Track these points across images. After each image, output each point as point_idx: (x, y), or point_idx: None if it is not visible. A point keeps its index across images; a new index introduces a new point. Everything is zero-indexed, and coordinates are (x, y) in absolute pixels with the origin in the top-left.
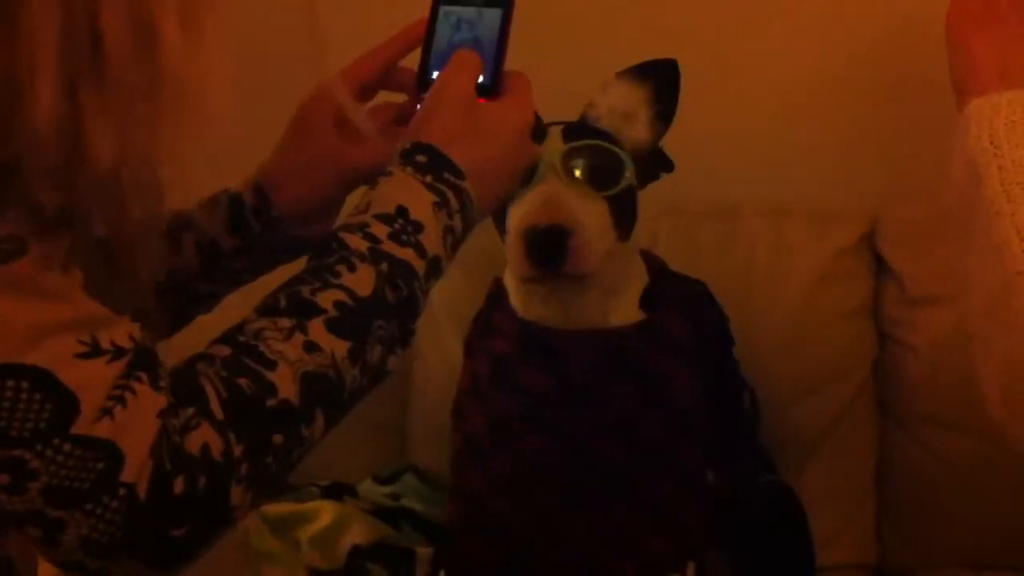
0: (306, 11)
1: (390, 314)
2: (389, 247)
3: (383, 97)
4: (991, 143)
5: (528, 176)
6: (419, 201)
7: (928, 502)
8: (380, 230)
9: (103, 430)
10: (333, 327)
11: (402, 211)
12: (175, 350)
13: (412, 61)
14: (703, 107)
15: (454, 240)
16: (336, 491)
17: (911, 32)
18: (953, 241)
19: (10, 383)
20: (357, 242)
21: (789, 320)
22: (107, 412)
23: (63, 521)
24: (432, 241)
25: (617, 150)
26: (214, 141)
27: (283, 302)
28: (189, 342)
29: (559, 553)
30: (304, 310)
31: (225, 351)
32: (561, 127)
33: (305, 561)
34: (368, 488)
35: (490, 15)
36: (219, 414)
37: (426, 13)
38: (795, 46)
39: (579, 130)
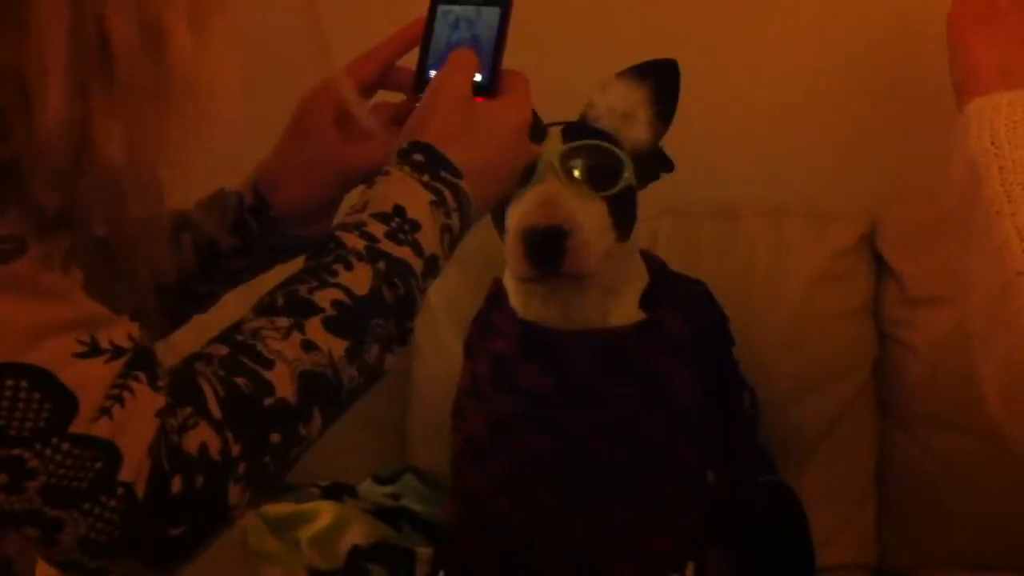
0: (308, 10)
1: (387, 313)
2: (386, 246)
3: (381, 96)
4: (992, 143)
5: (527, 176)
6: (416, 200)
7: (928, 502)
8: (377, 229)
9: (101, 429)
10: (331, 326)
11: (399, 210)
12: (173, 349)
13: (410, 61)
14: (703, 107)
15: (452, 239)
16: (336, 491)
17: (911, 32)
18: (953, 241)
19: (9, 382)
20: (354, 241)
21: (789, 320)
22: (106, 411)
23: (61, 520)
24: (429, 240)
25: (616, 150)
26: (221, 142)
27: (280, 301)
28: (187, 341)
29: (559, 553)
30: (302, 309)
31: (222, 350)
32: (560, 127)
33: (305, 561)
34: (368, 488)
35: (488, 14)
36: (217, 413)
37: (424, 12)
38: (795, 46)
39: (578, 130)
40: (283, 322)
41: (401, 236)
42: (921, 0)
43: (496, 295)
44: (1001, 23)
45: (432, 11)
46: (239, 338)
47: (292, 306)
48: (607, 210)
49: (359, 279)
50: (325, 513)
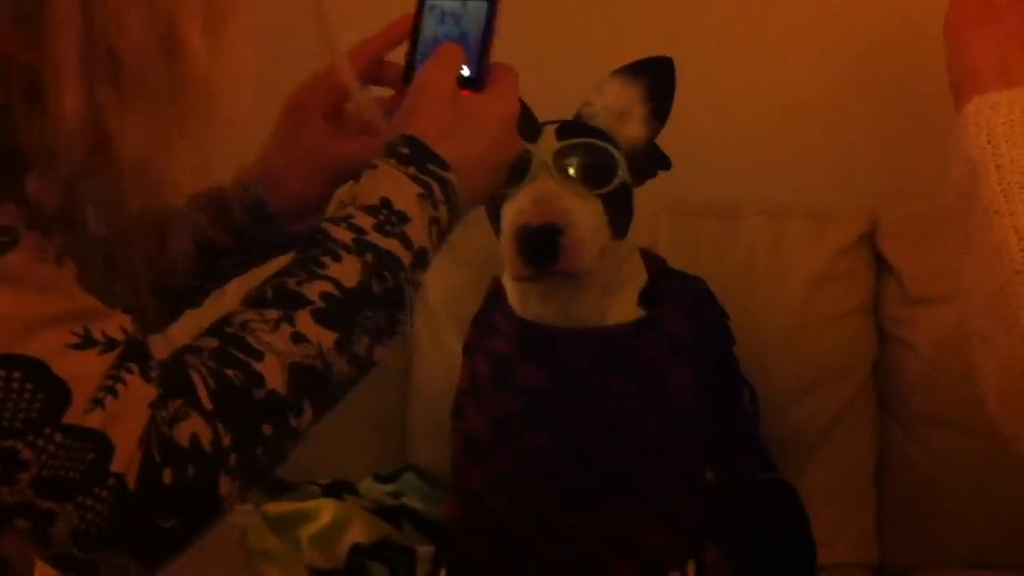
0: (315, 9)
1: (376, 305)
2: (374, 238)
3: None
4: (989, 142)
5: (521, 174)
6: (403, 192)
7: (928, 501)
8: (365, 221)
9: (94, 420)
10: (320, 318)
11: (386, 202)
12: (170, 343)
13: (400, 56)
14: (703, 106)
15: (440, 231)
16: (336, 489)
17: (910, 31)
18: (952, 240)
19: (2, 373)
20: (342, 234)
21: (789, 319)
22: (98, 403)
23: (53, 512)
24: (417, 232)
25: (610, 148)
26: (236, 142)
27: (270, 294)
28: (184, 336)
29: (559, 551)
30: (291, 301)
31: (213, 343)
32: (555, 125)
33: (305, 560)
34: (369, 486)
35: (475, 8)
36: (207, 405)
37: (412, 7)
38: (795, 46)
39: (573, 128)
40: (272, 314)
41: (389, 228)
42: (921, 0)
43: (495, 294)
44: (999, 22)
45: (420, 6)
46: (229, 330)
47: (281, 299)
48: (602, 208)
49: (348, 271)
50: (326, 511)
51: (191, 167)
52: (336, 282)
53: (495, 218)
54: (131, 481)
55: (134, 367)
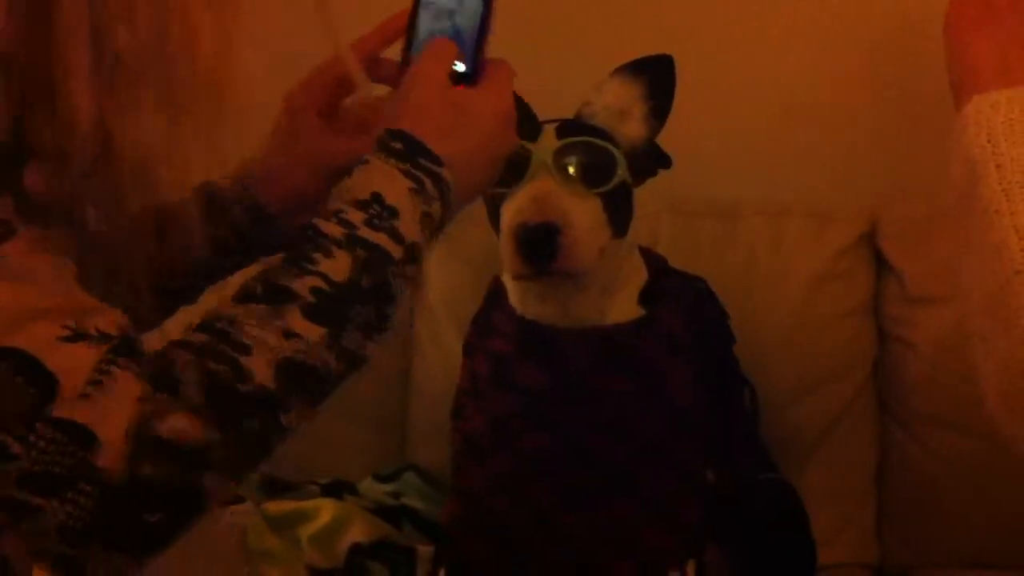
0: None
1: (366, 300)
2: (364, 233)
3: None
4: (989, 141)
5: (520, 173)
6: (394, 187)
7: (928, 501)
8: (355, 216)
9: (80, 414)
10: (309, 313)
11: (377, 197)
12: (165, 338)
13: (397, 54)
14: (703, 106)
15: (433, 226)
16: (336, 489)
17: (911, 31)
18: (952, 240)
19: None
20: (332, 229)
21: (789, 319)
22: (85, 396)
23: (38, 506)
24: (409, 227)
25: (609, 146)
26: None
27: (259, 289)
28: (175, 330)
29: (559, 552)
30: (280, 296)
31: (201, 338)
32: (555, 124)
33: (305, 559)
34: (369, 486)
35: (471, 3)
36: (194, 400)
37: (408, 4)
38: (795, 45)
39: (573, 127)
40: (261, 310)
41: (379, 223)
42: (921, 0)
43: (495, 294)
44: (999, 22)
45: (415, 2)
46: (217, 325)
47: (270, 294)
48: (602, 207)
49: (338, 266)
50: (325, 511)
51: (202, 163)
52: (326, 277)
53: (495, 217)
54: (115, 476)
55: (124, 362)
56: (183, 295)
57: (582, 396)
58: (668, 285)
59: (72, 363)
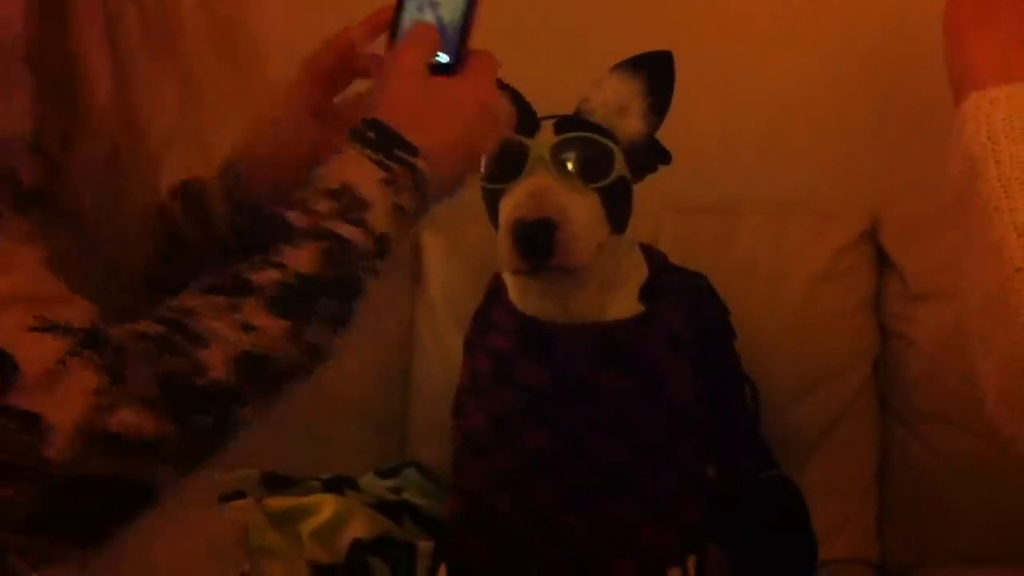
0: None
1: (331, 292)
2: (332, 224)
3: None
4: (989, 138)
5: (519, 169)
6: (366, 178)
7: (929, 499)
8: (324, 207)
9: (34, 403)
10: (270, 305)
11: (348, 188)
12: None
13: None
14: (704, 104)
15: (405, 218)
16: (337, 484)
17: (912, 28)
18: (952, 237)
19: None
20: (299, 219)
21: (790, 316)
22: (42, 386)
23: None
24: (379, 219)
25: (607, 142)
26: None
27: (221, 280)
28: None
29: (559, 550)
30: (241, 289)
31: (158, 329)
32: (553, 120)
33: (306, 555)
34: (370, 482)
35: None
36: (147, 393)
37: None
38: (796, 43)
39: (571, 123)
40: (221, 301)
41: (348, 215)
42: None
43: (496, 290)
44: (998, 19)
45: None
46: (175, 317)
47: (232, 285)
48: (600, 202)
49: (303, 258)
50: (326, 507)
51: (220, 138)
52: (290, 269)
53: (493, 213)
54: (62, 467)
55: (87, 354)
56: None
57: (581, 393)
58: (668, 281)
59: (36, 353)
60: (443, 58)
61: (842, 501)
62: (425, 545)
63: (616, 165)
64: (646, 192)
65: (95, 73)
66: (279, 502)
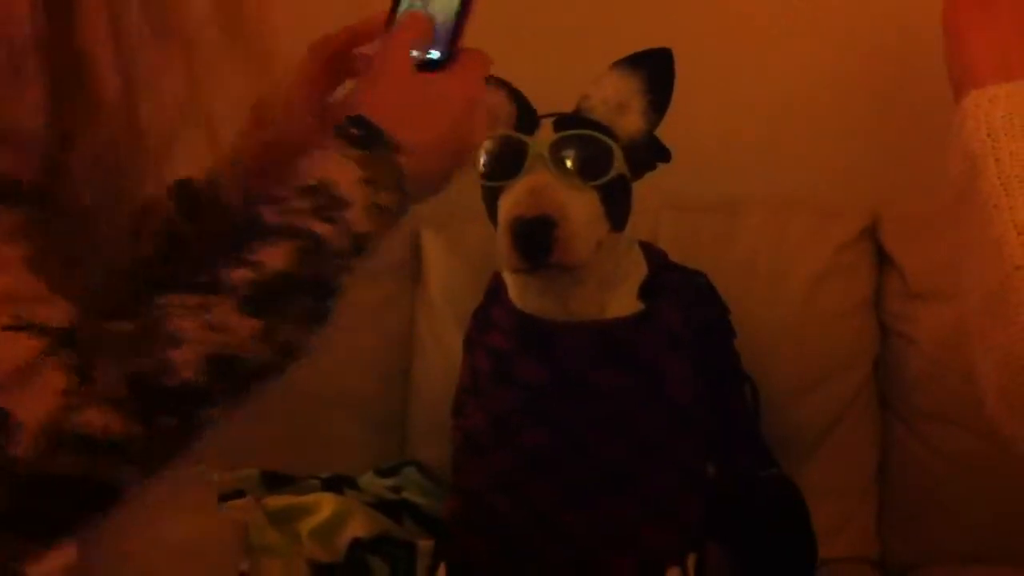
0: None
1: (304, 291)
2: (307, 222)
3: None
4: (988, 135)
5: (518, 167)
6: (345, 176)
7: (929, 497)
8: (300, 204)
9: (3, 400)
10: (242, 305)
11: (325, 185)
12: None
13: None
14: (704, 102)
15: (385, 216)
16: (337, 483)
17: (914, 26)
18: (952, 236)
19: None
20: (274, 216)
21: (790, 315)
22: (12, 384)
23: None
24: (356, 217)
25: (605, 139)
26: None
27: (194, 278)
28: None
29: (559, 549)
30: (214, 287)
31: (128, 327)
32: (553, 118)
33: (305, 554)
34: (369, 481)
35: None
36: (116, 393)
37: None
38: (797, 42)
39: (571, 121)
40: (193, 300)
41: (324, 213)
42: None
43: (495, 289)
44: (997, 17)
45: None
46: (147, 316)
47: (205, 283)
48: (599, 200)
49: (276, 256)
50: (326, 505)
51: (228, 120)
52: (263, 268)
53: (493, 211)
54: (29, 465)
55: (60, 353)
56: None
57: (581, 391)
58: (668, 280)
59: (10, 352)
60: (434, 54)
61: (842, 500)
62: (425, 544)
63: (615, 163)
64: (646, 190)
65: (102, 67)
66: (278, 501)
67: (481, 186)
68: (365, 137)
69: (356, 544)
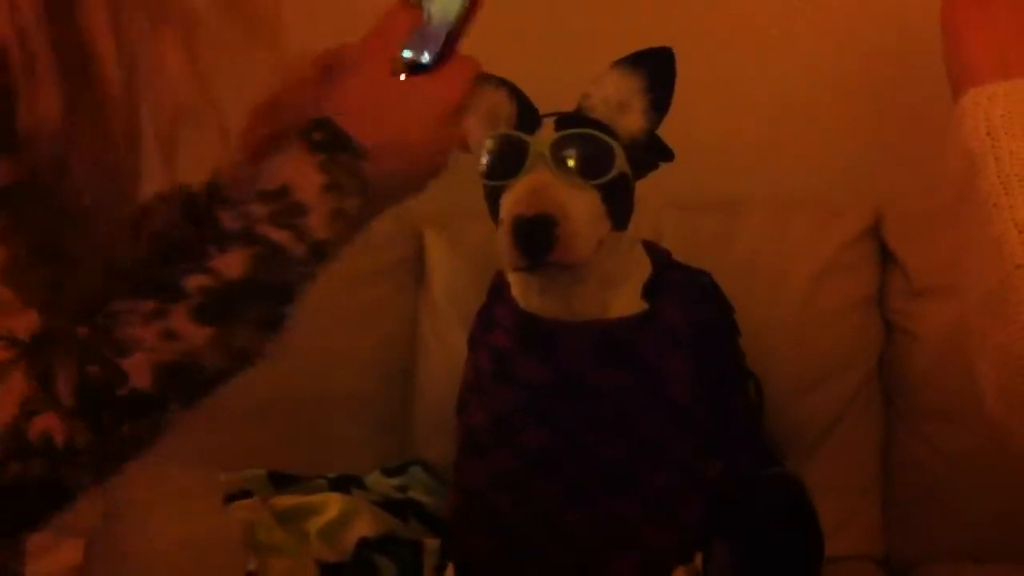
0: None
1: (260, 298)
2: (265, 229)
3: None
4: (988, 134)
5: (520, 166)
6: (307, 182)
7: (933, 495)
8: (258, 210)
9: None
10: (196, 313)
11: (286, 191)
12: None
13: None
14: (707, 101)
15: (347, 222)
16: (344, 483)
17: (915, 24)
18: (952, 234)
19: None
20: (232, 221)
21: (794, 312)
22: None
23: None
24: (316, 224)
25: (606, 138)
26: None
27: (149, 284)
28: None
29: (560, 548)
30: (168, 294)
31: (83, 331)
32: (554, 117)
33: (313, 553)
34: (376, 480)
35: None
36: (66, 401)
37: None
38: (799, 40)
39: (572, 120)
40: (147, 307)
41: (283, 219)
42: None
43: (498, 288)
44: (995, 15)
45: None
46: (101, 320)
47: (160, 290)
48: (600, 199)
49: (232, 263)
50: (333, 505)
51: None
52: (218, 274)
53: (494, 210)
54: None
55: (24, 364)
56: None
57: (581, 391)
58: (671, 279)
59: None
60: (424, 57)
61: (846, 498)
62: (431, 543)
63: (616, 162)
64: (648, 190)
65: (105, 62)
66: (286, 501)
67: (483, 185)
68: (329, 141)
69: (363, 543)
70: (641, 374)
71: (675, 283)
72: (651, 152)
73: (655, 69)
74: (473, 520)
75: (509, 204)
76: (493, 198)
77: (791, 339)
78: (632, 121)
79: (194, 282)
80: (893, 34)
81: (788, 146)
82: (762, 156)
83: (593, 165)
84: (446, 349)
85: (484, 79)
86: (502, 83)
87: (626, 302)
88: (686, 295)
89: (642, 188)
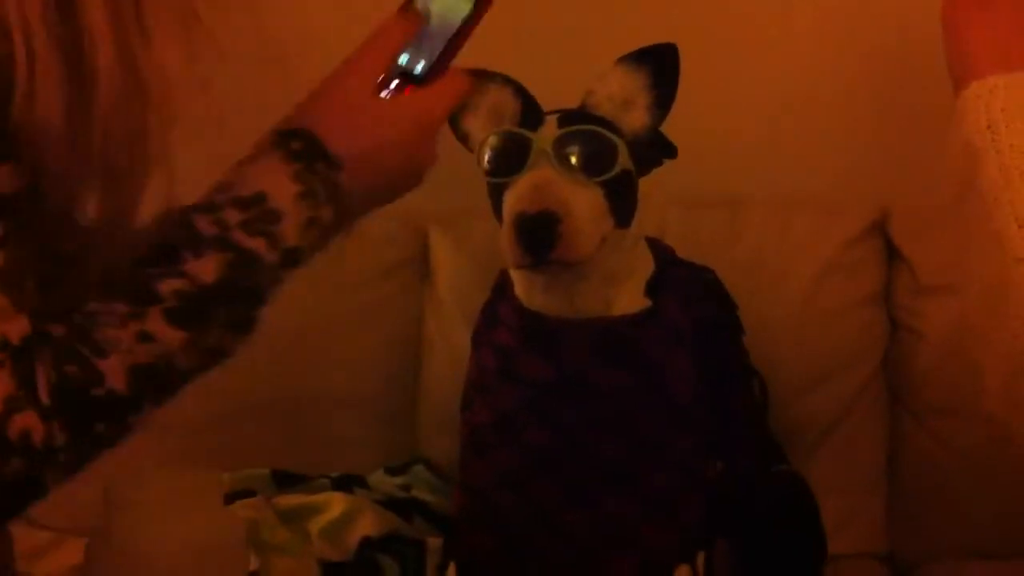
0: None
1: (232, 302)
2: (238, 236)
3: None
4: (988, 127)
5: (522, 163)
6: (282, 190)
7: (938, 492)
8: (232, 216)
9: None
10: (170, 316)
11: (260, 198)
12: None
13: None
14: (711, 98)
15: (322, 231)
16: (346, 482)
17: (919, 21)
18: (953, 229)
19: None
20: (207, 226)
21: (798, 310)
22: None
23: None
24: (289, 232)
25: (610, 135)
26: None
27: (124, 286)
28: None
29: (561, 547)
30: (143, 296)
31: (60, 330)
32: (557, 115)
33: (316, 552)
34: (379, 479)
35: (459, 7)
36: (44, 400)
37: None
38: (803, 36)
39: (575, 117)
40: (122, 309)
41: (256, 226)
42: None
43: (502, 286)
44: (996, 9)
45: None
46: (78, 320)
47: (135, 292)
48: (603, 196)
49: (206, 269)
50: (336, 504)
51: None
52: (192, 278)
53: (498, 207)
54: None
55: (11, 366)
56: None
57: (582, 390)
58: (675, 276)
59: None
60: (417, 68)
61: (850, 495)
62: (434, 542)
63: (620, 159)
64: (651, 187)
65: (104, 57)
66: (289, 500)
67: (486, 182)
68: (305, 150)
69: (366, 542)
70: (643, 373)
71: (678, 280)
72: (655, 149)
73: (659, 65)
74: (477, 518)
75: (512, 201)
76: (496, 195)
77: (794, 337)
78: (636, 118)
79: (169, 286)
80: (899, 31)
81: (791, 144)
82: (765, 154)
83: (596, 162)
84: (451, 347)
85: (488, 76)
86: (506, 80)
87: (629, 299)
88: (689, 292)
89: (645, 185)
